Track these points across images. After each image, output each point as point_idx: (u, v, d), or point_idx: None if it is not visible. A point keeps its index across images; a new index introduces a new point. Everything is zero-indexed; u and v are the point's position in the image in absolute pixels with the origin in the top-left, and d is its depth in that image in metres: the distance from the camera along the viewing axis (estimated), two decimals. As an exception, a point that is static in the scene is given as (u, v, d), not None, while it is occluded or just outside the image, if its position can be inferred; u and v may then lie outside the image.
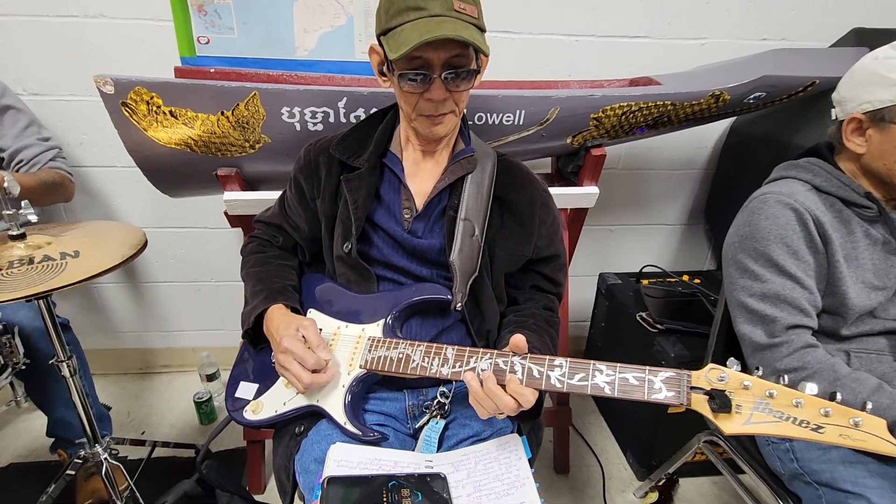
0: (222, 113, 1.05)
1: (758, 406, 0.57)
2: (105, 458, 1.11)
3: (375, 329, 0.86)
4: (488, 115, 1.14)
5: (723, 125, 1.68)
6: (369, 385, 0.87)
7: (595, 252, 1.87)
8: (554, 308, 0.97)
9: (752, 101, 1.23)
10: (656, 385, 0.63)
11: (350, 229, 0.89)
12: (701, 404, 0.59)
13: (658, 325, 1.39)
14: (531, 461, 0.78)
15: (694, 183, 1.79)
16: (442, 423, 0.84)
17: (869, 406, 0.54)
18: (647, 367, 0.64)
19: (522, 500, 0.66)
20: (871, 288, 0.82)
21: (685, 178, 1.77)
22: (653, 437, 1.44)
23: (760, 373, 0.59)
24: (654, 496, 1.40)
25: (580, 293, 1.92)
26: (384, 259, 0.91)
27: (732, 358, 0.61)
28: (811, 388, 0.56)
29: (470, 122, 1.15)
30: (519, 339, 0.71)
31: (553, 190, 1.30)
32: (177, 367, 1.87)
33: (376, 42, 0.83)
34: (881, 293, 0.82)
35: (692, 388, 0.61)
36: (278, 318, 0.85)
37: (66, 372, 1.04)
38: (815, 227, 0.84)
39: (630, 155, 1.72)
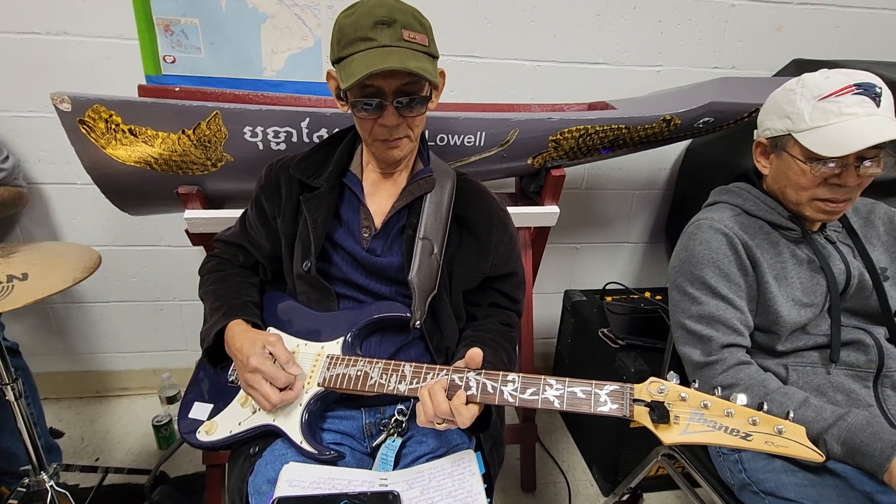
0: (183, 132, 1.05)
1: (693, 416, 0.59)
2: (51, 486, 1.06)
3: (335, 347, 0.87)
4: (450, 136, 1.17)
5: (680, 147, 1.76)
6: (327, 403, 0.86)
7: (561, 270, 1.91)
8: (512, 324, 0.99)
9: (701, 126, 1.29)
10: (602, 398, 0.65)
11: (310, 248, 0.90)
12: (643, 416, 0.61)
13: (619, 341, 1.42)
14: (485, 477, 0.78)
15: (655, 202, 1.86)
16: (399, 441, 0.84)
17: (791, 415, 0.57)
18: (594, 381, 0.66)
19: (474, 517, 0.67)
20: (800, 305, 0.87)
21: (646, 197, 1.84)
22: (617, 452, 1.46)
23: (697, 385, 0.62)
24: (619, 511, 1.41)
25: (547, 310, 1.95)
26: (344, 277, 0.92)
27: (672, 371, 0.64)
28: (741, 398, 0.59)
29: (432, 143, 1.18)
30: (475, 353, 0.72)
31: (516, 209, 1.35)
32: (136, 390, 1.81)
33: (333, 69, 0.85)
34: (810, 310, 0.87)
35: (635, 400, 0.63)
36: (241, 336, 0.85)
37: (10, 396, 1.00)
38: (744, 251, 0.88)
39: (593, 175, 1.77)
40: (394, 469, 0.81)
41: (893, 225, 0.95)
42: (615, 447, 1.46)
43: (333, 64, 0.83)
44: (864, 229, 0.95)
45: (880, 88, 0.81)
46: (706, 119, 1.28)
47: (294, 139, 1.10)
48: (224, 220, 1.11)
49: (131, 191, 1.11)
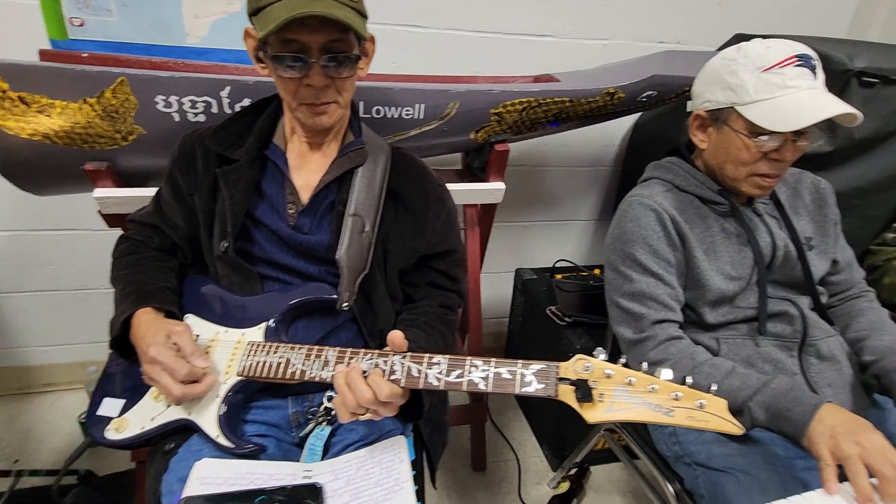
0: (85, 101, 0.95)
1: (618, 393, 0.58)
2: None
3: (256, 333, 0.81)
4: (387, 108, 1.11)
5: (627, 123, 1.75)
6: (249, 393, 0.81)
7: (512, 248, 1.90)
8: (451, 305, 0.96)
9: (644, 99, 1.28)
10: (527, 378, 0.62)
11: (227, 226, 0.83)
12: (567, 395, 0.59)
13: (566, 319, 1.42)
14: (426, 461, 0.75)
15: (603, 179, 1.86)
16: (328, 429, 0.80)
17: (713, 388, 0.56)
18: (521, 361, 0.64)
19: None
20: (729, 278, 0.87)
21: (595, 174, 1.83)
22: (565, 428, 1.47)
23: (624, 360, 0.60)
24: (566, 485, 1.42)
25: (500, 289, 1.93)
26: (267, 257, 0.86)
27: (600, 348, 0.62)
28: (665, 373, 0.57)
29: (367, 116, 1.11)
30: (395, 336, 0.68)
31: (461, 186, 1.30)
32: (62, 385, 1.69)
33: (250, 24, 0.77)
34: (738, 282, 0.87)
35: (560, 378, 0.60)
36: (146, 324, 0.78)
37: None
38: (672, 227, 0.88)
39: (541, 153, 1.75)
40: (323, 459, 0.76)
41: (819, 193, 0.96)
42: (562, 424, 1.47)
43: (251, 18, 0.76)
44: (792, 199, 0.95)
45: (815, 60, 0.81)
46: (649, 93, 1.26)
47: (214, 110, 1.01)
48: (140, 199, 1.02)
49: (29, 167, 1.00)
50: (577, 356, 0.61)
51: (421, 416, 0.79)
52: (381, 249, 0.88)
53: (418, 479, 1.09)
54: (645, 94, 1.26)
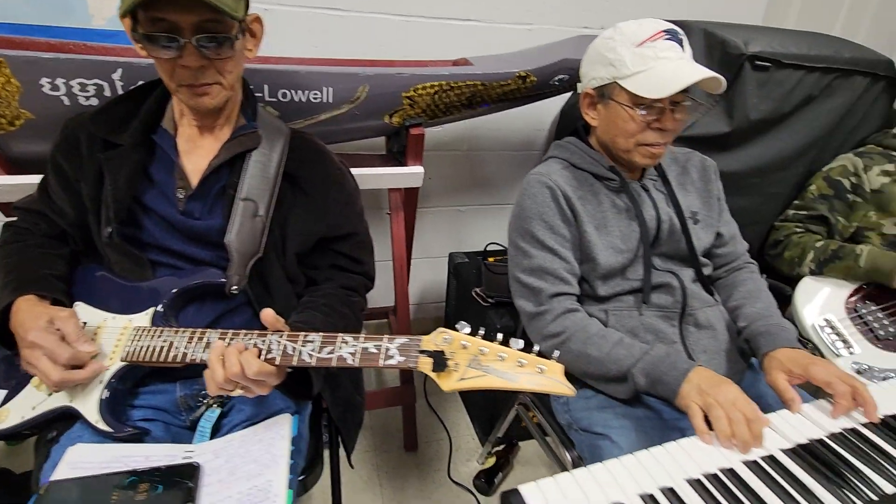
0: (-40, 83, 0.91)
1: (471, 363, 0.60)
2: None
3: (143, 318, 0.80)
4: (294, 92, 1.10)
5: (556, 108, 1.79)
6: (136, 378, 0.80)
7: (448, 233, 1.92)
8: (355, 287, 0.97)
9: (557, 83, 1.31)
10: (391, 352, 0.64)
11: (110, 212, 0.81)
12: (426, 366, 0.61)
13: (489, 300, 1.45)
14: (296, 439, 0.76)
15: (534, 164, 1.86)
16: (217, 411, 0.80)
17: (556, 354, 0.59)
18: (388, 336, 0.65)
19: (270, 479, 0.65)
20: (618, 251, 0.91)
21: (526, 159, 1.86)
22: (493, 405, 1.51)
23: (483, 332, 0.63)
24: (492, 461, 1.47)
25: (437, 274, 1.95)
26: (157, 243, 0.85)
27: (463, 322, 0.64)
28: (516, 342, 0.60)
29: (274, 100, 1.10)
30: (266, 314, 0.69)
31: (379, 170, 1.31)
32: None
33: None
34: (625, 255, 0.91)
35: (421, 351, 0.63)
36: (25, 311, 0.76)
37: None
38: (565, 203, 0.91)
39: (473, 137, 1.76)
40: (211, 440, 0.77)
41: (705, 171, 1.01)
42: (491, 401, 1.51)
43: None
44: (681, 177, 1.00)
45: (681, 35, 0.86)
46: (561, 76, 1.29)
47: (106, 93, 0.99)
48: (32, 187, 0.98)
49: None
50: (439, 329, 0.64)
51: (311, 395, 0.80)
52: (279, 233, 0.89)
53: (333, 459, 1.12)
54: (557, 78, 1.29)
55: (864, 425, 0.72)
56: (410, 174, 1.32)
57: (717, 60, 1.26)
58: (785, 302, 1.36)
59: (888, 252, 1.26)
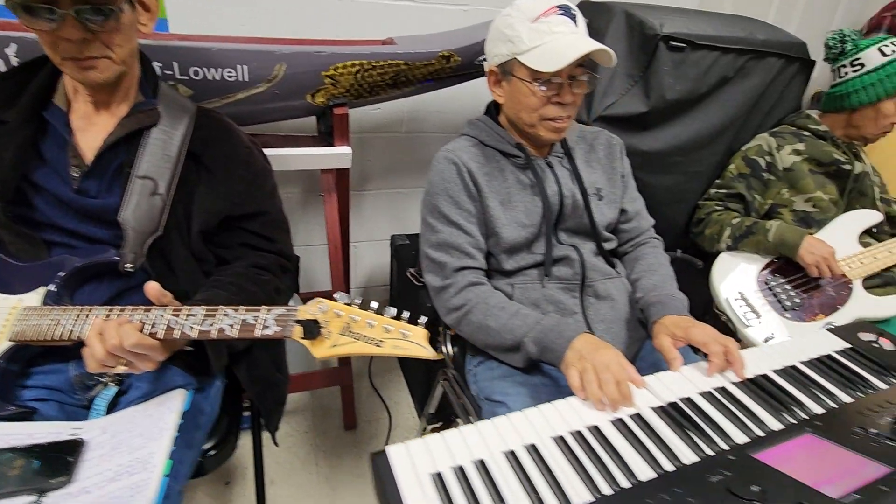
0: None
1: (343, 331, 0.62)
2: None
3: (34, 298, 0.79)
4: (206, 69, 1.09)
5: (495, 90, 1.80)
6: (26, 359, 0.79)
7: (389, 215, 1.92)
8: (266, 266, 0.96)
9: (480, 63, 1.32)
10: (268, 322, 0.65)
11: None
12: (298, 333, 0.63)
13: (421, 280, 1.47)
14: (193, 414, 0.77)
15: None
16: (113, 389, 0.80)
17: (422, 320, 0.61)
18: (268, 308, 0.66)
19: (152, 451, 0.66)
20: (522, 226, 0.94)
21: (467, 141, 1.87)
22: (428, 382, 1.53)
23: (360, 301, 0.64)
24: (428, 437, 1.50)
25: (380, 257, 1.96)
26: (51, 222, 0.83)
27: (341, 292, 0.65)
28: (389, 311, 0.62)
29: (185, 77, 1.08)
30: (149, 287, 0.69)
31: (305, 151, 1.30)
32: None
33: None
34: (529, 230, 0.94)
35: (298, 321, 0.64)
36: None
37: None
38: (469, 178, 0.93)
39: (412, 119, 1.77)
40: (106, 418, 0.77)
41: (611, 149, 1.04)
42: (427, 377, 1.54)
43: None
44: (588, 155, 1.03)
45: (574, 10, 0.88)
46: (483, 57, 1.30)
47: (3, 68, 0.96)
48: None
49: None
50: (316, 299, 0.65)
51: (210, 371, 0.81)
52: (183, 212, 0.88)
53: (255, 437, 1.13)
54: (480, 58, 1.30)
55: (734, 383, 0.77)
56: (338, 154, 1.32)
57: (636, 41, 1.29)
58: (700, 275, 1.42)
59: (795, 227, 1.32)
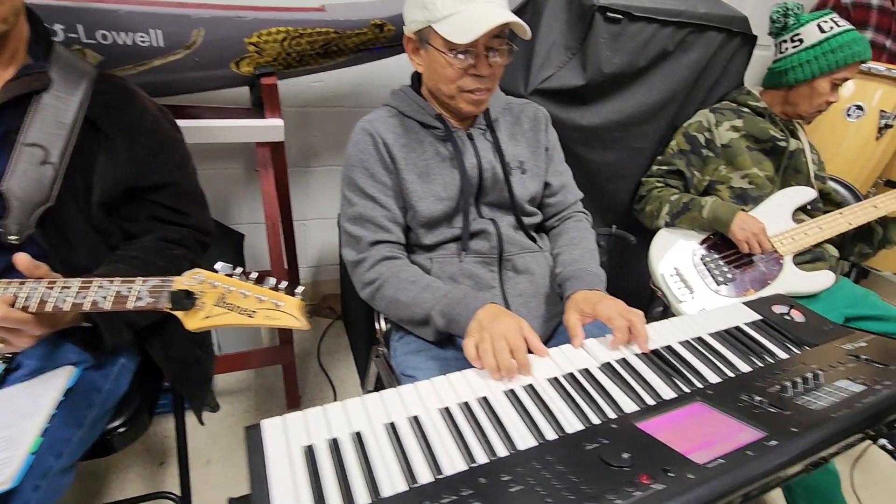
0: None
1: (218, 301, 0.59)
2: None
3: None
4: (115, 33, 1.03)
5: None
6: None
7: (339, 192, 1.88)
8: (177, 239, 0.93)
9: (417, 33, 1.28)
10: (142, 293, 0.62)
11: None
12: (169, 305, 0.60)
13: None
14: (87, 392, 0.74)
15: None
16: (1, 367, 0.77)
17: (299, 290, 0.59)
18: (143, 279, 0.64)
19: (24, 429, 0.63)
20: (439, 199, 0.92)
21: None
22: (369, 359, 1.52)
23: (241, 271, 0.62)
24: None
25: (332, 235, 1.93)
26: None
27: (222, 263, 0.63)
28: (268, 281, 0.60)
29: (93, 41, 1.02)
30: (18, 259, 0.65)
31: (232, 122, 1.26)
32: None
33: None
34: (447, 203, 0.92)
35: (172, 292, 0.61)
36: None
37: None
38: (385, 150, 0.90)
39: (357, 93, 1.72)
40: (-8, 396, 0.74)
41: (536, 122, 1.02)
42: (367, 355, 1.52)
43: None
44: (513, 127, 1.01)
45: None
46: (419, 26, 1.26)
47: None
48: None
49: None
50: (194, 269, 0.62)
51: (104, 347, 0.78)
52: (83, 182, 0.84)
53: (177, 418, 1.11)
54: (416, 28, 1.26)
55: (637, 355, 0.77)
56: (268, 127, 1.27)
57: (575, 12, 1.27)
58: (639, 252, 1.42)
59: (729, 203, 1.33)
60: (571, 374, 0.71)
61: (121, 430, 0.87)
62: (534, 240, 0.99)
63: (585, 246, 0.98)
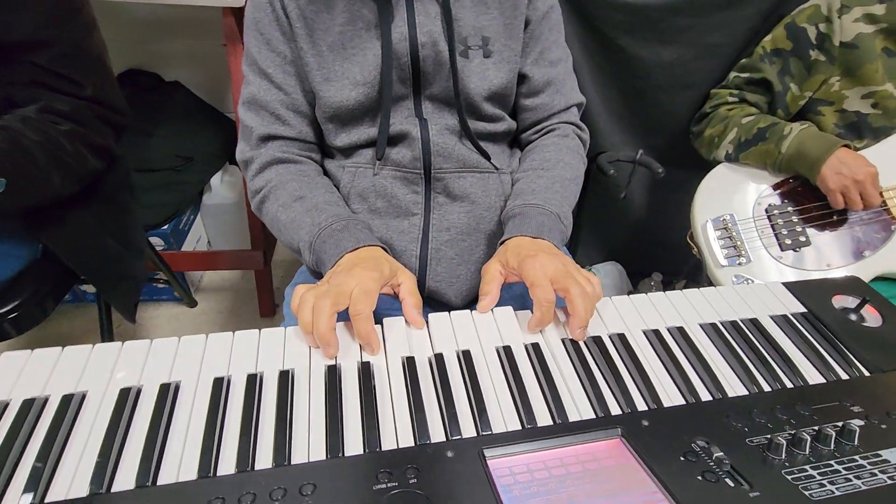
0: None
1: None
2: None
3: None
4: None
5: None
6: None
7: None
8: (66, 112, 0.77)
9: None
10: None
11: None
12: None
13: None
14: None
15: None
16: None
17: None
18: None
19: None
20: (354, 84, 0.64)
21: None
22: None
23: None
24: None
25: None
26: None
27: None
28: None
29: None
30: None
31: None
32: None
33: None
34: (365, 90, 0.65)
35: None
36: None
37: None
38: (281, 8, 0.64)
39: None
40: None
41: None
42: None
43: None
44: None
45: None
46: None
47: None
48: None
49: None
50: None
51: None
52: None
53: (101, 318, 1.05)
54: None
55: (566, 342, 0.50)
56: (218, -13, 1.03)
57: None
58: (681, 192, 1.06)
59: (826, 135, 0.90)
60: (440, 356, 0.47)
61: (11, 315, 0.81)
62: (487, 156, 0.69)
63: (558, 174, 0.67)
